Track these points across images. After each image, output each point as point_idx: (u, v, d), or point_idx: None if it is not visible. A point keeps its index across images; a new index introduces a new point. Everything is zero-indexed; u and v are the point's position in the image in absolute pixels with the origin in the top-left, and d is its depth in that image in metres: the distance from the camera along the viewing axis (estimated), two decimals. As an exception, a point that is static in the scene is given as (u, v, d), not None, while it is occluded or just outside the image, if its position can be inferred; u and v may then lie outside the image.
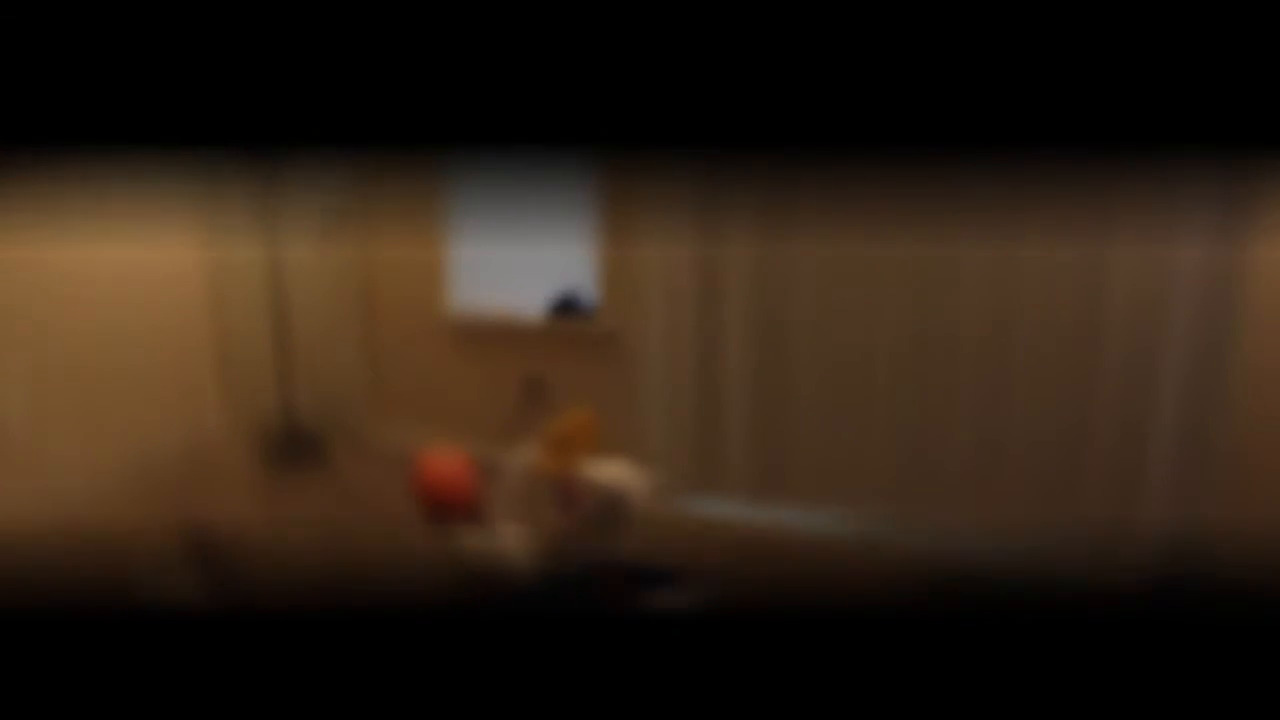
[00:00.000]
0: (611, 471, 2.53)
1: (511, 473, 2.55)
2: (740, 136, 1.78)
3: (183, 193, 4.02)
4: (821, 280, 3.10)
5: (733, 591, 2.70)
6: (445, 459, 3.24)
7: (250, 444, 4.23)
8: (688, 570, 2.71)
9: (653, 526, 3.05)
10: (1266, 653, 2.14)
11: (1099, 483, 2.75)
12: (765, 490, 3.36)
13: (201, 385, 4.33)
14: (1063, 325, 2.74)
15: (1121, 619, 2.38)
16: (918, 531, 3.08)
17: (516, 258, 3.94)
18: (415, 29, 1.62)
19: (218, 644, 2.21)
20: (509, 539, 2.49)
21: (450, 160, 3.85)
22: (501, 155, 3.73)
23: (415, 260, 4.02)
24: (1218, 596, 2.51)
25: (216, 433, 4.36)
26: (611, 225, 3.54)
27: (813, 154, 2.75)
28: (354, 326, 4.24)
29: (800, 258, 3.12)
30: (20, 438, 3.46)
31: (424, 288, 4.04)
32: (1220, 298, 2.54)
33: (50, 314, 3.58)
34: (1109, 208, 2.57)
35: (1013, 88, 1.64)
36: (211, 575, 2.72)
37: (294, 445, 4.07)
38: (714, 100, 1.71)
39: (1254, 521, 2.55)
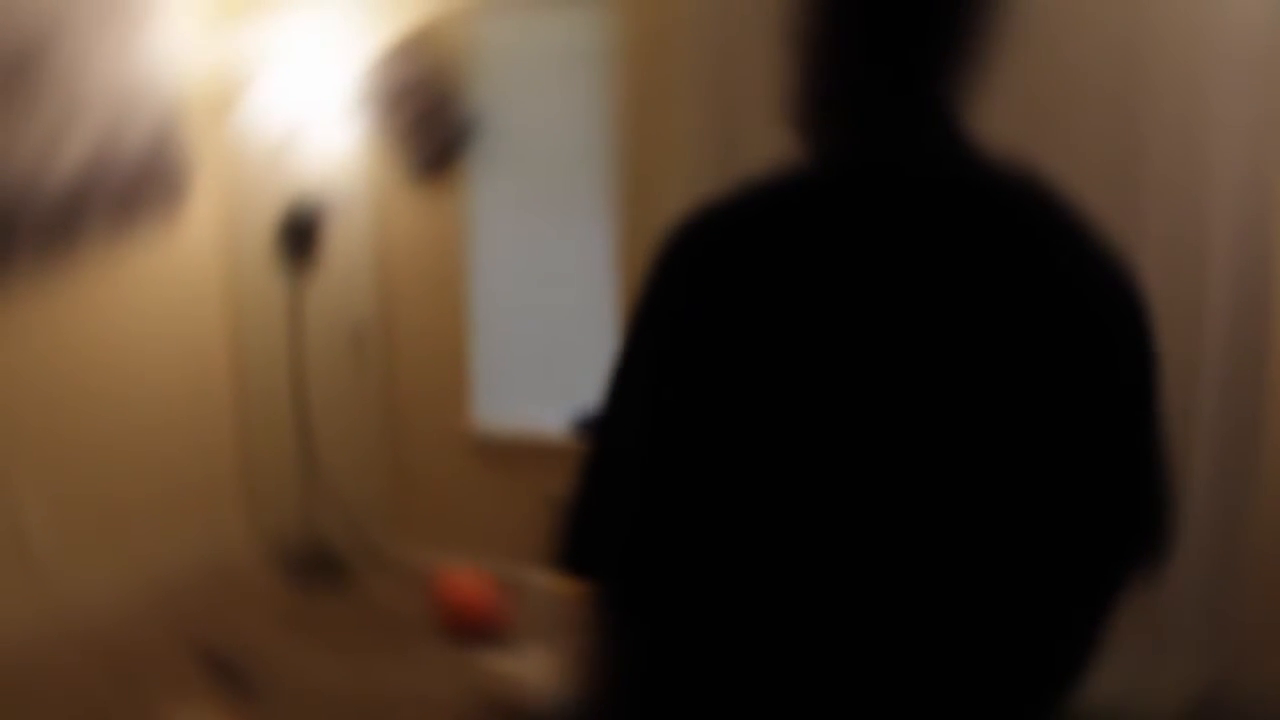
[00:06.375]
0: (636, 592, 2.49)
1: (535, 595, 2.53)
2: None
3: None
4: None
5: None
6: (468, 579, 3.22)
7: (273, 562, 4.22)
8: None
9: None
10: None
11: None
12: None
13: (224, 503, 4.35)
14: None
15: None
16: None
17: (542, 370, 3.97)
18: None
19: None
20: (532, 662, 2.45)
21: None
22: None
23: (439, 374, 4.08)
24: None
25: (239, 550, 4.36)
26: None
27: None
28: (377, 443, 4.28)
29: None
30: (41, 555, 3.48)
31: (448, 403, 4.08)
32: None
33: (71, 430, 3.63)
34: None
35: None
36: (234, 699, 2.68)
37: (317, 564, 4.05)
38: None
39: None
